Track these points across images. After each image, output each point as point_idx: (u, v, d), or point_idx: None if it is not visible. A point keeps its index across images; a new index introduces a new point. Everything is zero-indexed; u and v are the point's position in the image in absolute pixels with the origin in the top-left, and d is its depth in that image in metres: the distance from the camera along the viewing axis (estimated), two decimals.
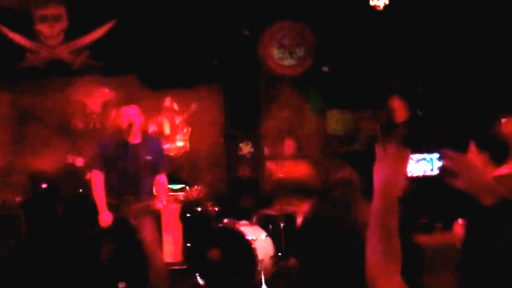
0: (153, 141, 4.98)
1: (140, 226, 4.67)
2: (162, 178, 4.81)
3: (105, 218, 4.67)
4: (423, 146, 5.35)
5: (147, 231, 4.69)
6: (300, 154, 6.56)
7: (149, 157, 4.74)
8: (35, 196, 6.85)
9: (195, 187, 4.80)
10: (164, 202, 4.63)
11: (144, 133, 5.00)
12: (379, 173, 1.63)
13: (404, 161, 1.67)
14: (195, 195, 4.78)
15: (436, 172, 5.28)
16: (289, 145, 6.52)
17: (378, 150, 1.67)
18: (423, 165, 5.50)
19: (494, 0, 6.47)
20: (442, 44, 6.78)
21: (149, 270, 4.67)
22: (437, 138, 5.77)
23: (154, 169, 4.79)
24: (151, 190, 4.84)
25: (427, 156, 5.42)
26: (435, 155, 5.38)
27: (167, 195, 4.76)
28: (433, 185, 4.93)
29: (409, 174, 5.27)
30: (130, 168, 4.70)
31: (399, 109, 5.65)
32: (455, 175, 1.78)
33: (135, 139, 4.80)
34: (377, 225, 1.58)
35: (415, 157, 5.41)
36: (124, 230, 4.68)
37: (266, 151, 7.26)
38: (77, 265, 5.83)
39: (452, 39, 6.73)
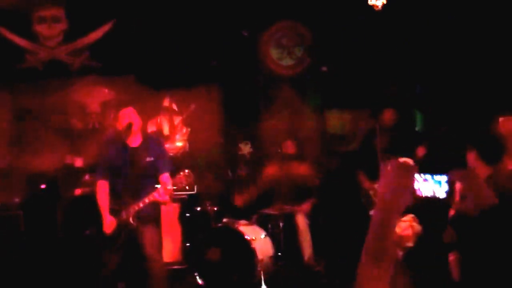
0: (153, 142, 4.91)
1: (141, 229, 4.64)
2: (164, 177, 4.70)
3: (109, 224, 4.64)
4: (409, 150, 5.42)
5: (147, 236, 4.65)
6: (299, 154, 6.60)
7: (149, 159, 4.70)
8: (34, 197, 6.85)
9: (181, 172, 4.54)
10: (162, 195, 4.51)
11: (144, 135, 4.92)
12: (382, 188, 1.65)
13: (408, 178, 1.66)
14: (184, 180, 4.53)
15: (443, 195, 5.27)
16: (289, 146, 6.56)
17: (382, 166, 1.68)
18: (431, 185, 5.51)
19: (493, 0, 6.48)
20: (441, 44, 6.79)
21: (148, 273, 4.65)
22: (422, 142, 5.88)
23: (156, 170, 4.74)
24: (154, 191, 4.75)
25: (435, 177, 5.44)
26: (444, 177, 5.37)
27: (170, 193, 4.60)
28: (440, 207, 4.89)
29: (419, 194, 5.30)
30: (131, 172, 4.63)
31: (390, 120, 6.08)
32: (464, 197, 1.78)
33: (134, 142, 4.74)
34: (374, 235, 1.60)
35: (422, 177, 5.42)
36: (125, 234, 4.64)
37: (266, 151, 7.26)
38: (76, 265, 5.84)
39: (450, 39, 6.73)
